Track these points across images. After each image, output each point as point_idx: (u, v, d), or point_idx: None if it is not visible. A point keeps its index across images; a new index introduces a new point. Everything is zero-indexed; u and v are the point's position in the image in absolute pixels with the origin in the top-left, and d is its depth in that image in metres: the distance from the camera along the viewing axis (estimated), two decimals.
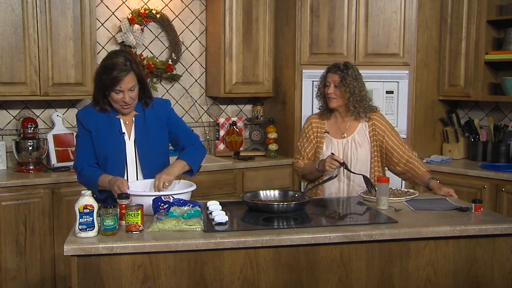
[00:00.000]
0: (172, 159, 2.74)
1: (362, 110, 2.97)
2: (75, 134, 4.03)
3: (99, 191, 2.55)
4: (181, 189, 2.55)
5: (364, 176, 2.88)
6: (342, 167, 2.88)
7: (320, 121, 3.09)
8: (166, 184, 2.50)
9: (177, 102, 4.64)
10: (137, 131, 2.66)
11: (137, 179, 2.65)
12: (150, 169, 2.65)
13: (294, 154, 3.31)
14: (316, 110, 4.27)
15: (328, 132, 3.03)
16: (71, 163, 3.88)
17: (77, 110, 4.20)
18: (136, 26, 4.28)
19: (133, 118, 2.67)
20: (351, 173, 2.90)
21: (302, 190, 4.24)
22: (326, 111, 3.08)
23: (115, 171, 2.58)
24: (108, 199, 2.52)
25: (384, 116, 3.08)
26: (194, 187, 2.55)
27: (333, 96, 2.96)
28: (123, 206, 2.25)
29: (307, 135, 3.11)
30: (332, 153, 2.89)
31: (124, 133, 2.65)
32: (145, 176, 2.66)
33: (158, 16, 4.40)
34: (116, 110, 2.63)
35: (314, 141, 3.08)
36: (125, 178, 2.60)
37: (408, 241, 2.31)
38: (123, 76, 2.49)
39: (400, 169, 2.99)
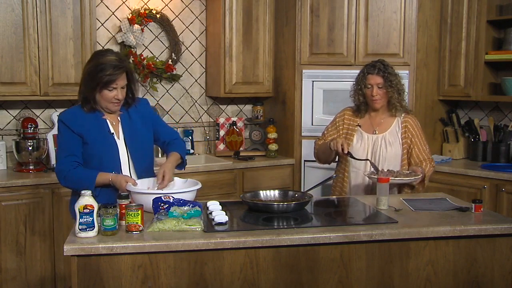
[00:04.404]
0: None
1: (402, 105, 3.01)
2: None
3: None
4: (187, 188, 2.57)
5: (369, 161, 2.93)
6: (347, 156, 2.93)
7: (353, 115, 3.12)
8: (169, 180, 2.58)
9: (177, 102, 4.65)
10: (125, 130, 2.68)
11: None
12: (141, 166, 2.70)
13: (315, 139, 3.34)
14: (316, 110, 4.32)
15: (360, 126, 3.04)
16: None
17: None
18: (136, 26, 4.28)
19: (119, 118, 2.69)
20: (374, 166, 2.91)
21: (302, 190, 4.24)
22: (362, 107, 3.08)
23: (110, 171, 2.58)
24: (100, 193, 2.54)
25: (416, 119, 3.11)
26: (199, 185, 2.57)
27: (377, 97, 2.98)
28: (123, 206, 2.25)
29: (337, 124, 3.15)
30: (342, 144, 2.88)
31: (113, 133, 2.66)
32: (138, 174, 2.68)
33: (158, 16, 4.40)
34: (103, 109, 2.64)
35: (342, 131, 3.10)
36: None
37: (408, 241, 2.31)
38: (119, 73, 2.53)
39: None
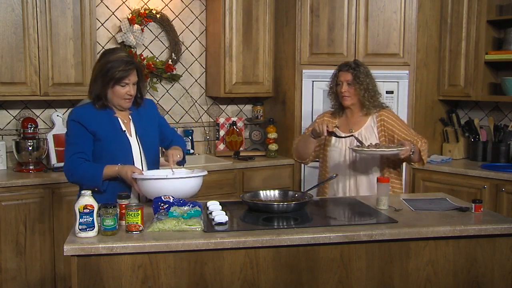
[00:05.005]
0: None
1: (375, 104, 3.03)
2: None
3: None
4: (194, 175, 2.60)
5: (354, 136, 2.94)
6: (331, 135, 2.94)
7: (332, 117, 3.14)
8: (178, 156, 2.65)
9: (177, 102, 4.65)
10: (137, 128, 2.72)
11: None
12: (152, 163, 2.74)
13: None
14: (316, 111, 4.32)
15: (338, 127, 3.06)
16: None
17: None
18: (136, 26, 4.28)
19: (130, 116, 2.73)
20: (358, 140, 2.92)
21: (302, 190, 4.24)
22: (339, 110, 3.12)
23: None
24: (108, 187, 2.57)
25: (394, 112, 3.12)
26: (205, 172, 2.59)
27: (346, 94, 3.01)
28: (123, 206, 2.25)
29: None
30: (327, 125, 2.89)
31: (125, 131, 2.69)
32: (150, 170, 2.72)
33: (158, 16, 4.40)
34: (114, 106, 2.67)
35: None
36: None
37: (408, 241, 2.31)
38: (131, 69, 2.59)
39: None
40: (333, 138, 3.04)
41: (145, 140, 2.72)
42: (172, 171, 2.61)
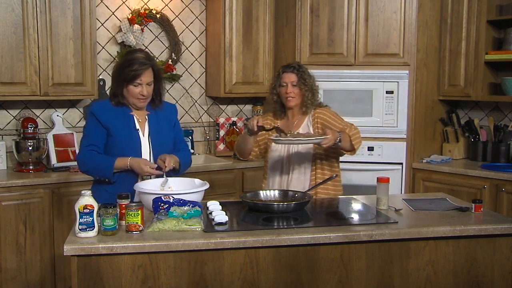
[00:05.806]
0: None
1: (314, 104, 3.05)
2: (75, 134, 4.04)
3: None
4: (194, 187, 2.59)
5: (276, 127, 2.91)
6: (261, 130, 2.93)
7: (273, 119, 3.14)
8: (173, 164, 2.64)
9: (177, 102, 4.64)
10: (151, 128, 2.76)
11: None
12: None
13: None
14: None
15: (280, 129, 3.06)
16: (71, 163, 3.89)
17: (77, 110, 4.22)
18: (136, 26, 4.28)
19: (146, 117, 2.77)
20: (282, 131, 2.89)
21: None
22: (280, 112, 3.12)
23: None
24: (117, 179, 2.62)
25: (331, 110, 3.10)
26: (207, 186, 2.59)
27: (292, 95, 3.01)
28: (123, 206, 2.25)
29: None
30: (257, 120, 2.88)
31: (138, 129, 2.73)
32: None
33: (158, 16, 4.40)
34: (130, 105, 2.72)
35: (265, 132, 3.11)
36: None
37: (408, 241, 2.32)
38: (144, 69, 2.64)
39: None
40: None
41: (156, 141, 2.75)
42: (165, 176, 2.61)
